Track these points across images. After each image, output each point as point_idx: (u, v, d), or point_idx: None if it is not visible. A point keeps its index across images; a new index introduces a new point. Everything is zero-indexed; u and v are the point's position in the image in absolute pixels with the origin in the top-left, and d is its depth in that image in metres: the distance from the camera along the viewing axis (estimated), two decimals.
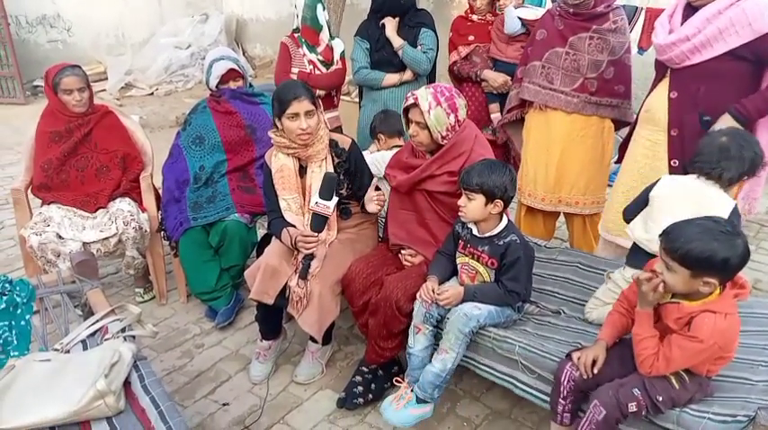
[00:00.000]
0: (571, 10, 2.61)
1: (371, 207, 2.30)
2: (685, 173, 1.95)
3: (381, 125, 2.84)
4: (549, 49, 2.69)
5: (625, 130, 2.75)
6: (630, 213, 2.05)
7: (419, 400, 2.08)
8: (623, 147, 2.58)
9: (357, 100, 6.97)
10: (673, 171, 2.24)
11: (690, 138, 2.17)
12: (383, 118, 2.86)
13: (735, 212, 1.87)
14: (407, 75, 3.28)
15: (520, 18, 3.09)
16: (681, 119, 2.24)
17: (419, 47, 3.24)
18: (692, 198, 1.71)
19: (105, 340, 1.83)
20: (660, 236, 1.55)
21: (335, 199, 2.09)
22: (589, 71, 2.64)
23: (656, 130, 2.33)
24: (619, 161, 2.62)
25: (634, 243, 2.01)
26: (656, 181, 1.97)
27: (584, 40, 2.61)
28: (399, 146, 2.71)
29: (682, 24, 2.22)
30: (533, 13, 3.10)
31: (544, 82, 2.72)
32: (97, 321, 1.93)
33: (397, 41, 3.22)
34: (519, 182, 2.98)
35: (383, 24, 3.25)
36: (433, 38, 3.28)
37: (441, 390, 2.07)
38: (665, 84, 2.32)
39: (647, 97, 2.43)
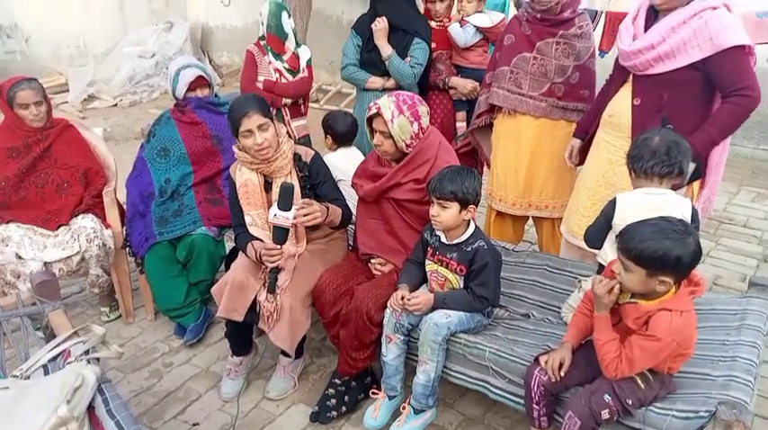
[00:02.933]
0: (538, 15, 2.65)
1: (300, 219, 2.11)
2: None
3: (327, 121, 2.93)
4: (516, 54, 2.72)
5: None
6: (594, 239, 2.03)
7: (416, 411, 2.12)
8: (584, 150, 2.61)
9: (326, 107, 7.00)
10: None
11: None
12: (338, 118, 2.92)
13: (695, 212, 1.92)
14: (390, 82, 3.17)
15: (475, 26, 3.11)
16: (644, 125, 2.26)
17: (408, 59, 3.11)
18: (654, 212, 1.73)
19: (68, 364, 1.77)
20: (616, 236, 1.59)
21: (294, 209, 2.06)
22: (556, 76, 2.68)
23: (620, 136, 2.36)
24: (580, 163, 2.64)
25: None
26: (612, 202, 1.96)
27: (551, 45, 2.65)
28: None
29: (645, 29, 2.24)
30: (488, 20, 3.11)
31: (513, 87, 2.75)
32: (59, 344, 1.87)
33: (385, 51, 3.11)
34: (489, 187, 3.02)
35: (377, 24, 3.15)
36: (425, 51, 3.11)
37: (434, 396, 2.11)
38: (627, 89, 2.34)
39: (609, 100, 2.43)
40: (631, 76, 2.32)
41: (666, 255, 1.48)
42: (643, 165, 1.85)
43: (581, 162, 2.62)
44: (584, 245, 2.43)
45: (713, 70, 2.12)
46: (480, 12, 3.15)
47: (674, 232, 1.50)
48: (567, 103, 2.74)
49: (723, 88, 2.14)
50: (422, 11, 3.29)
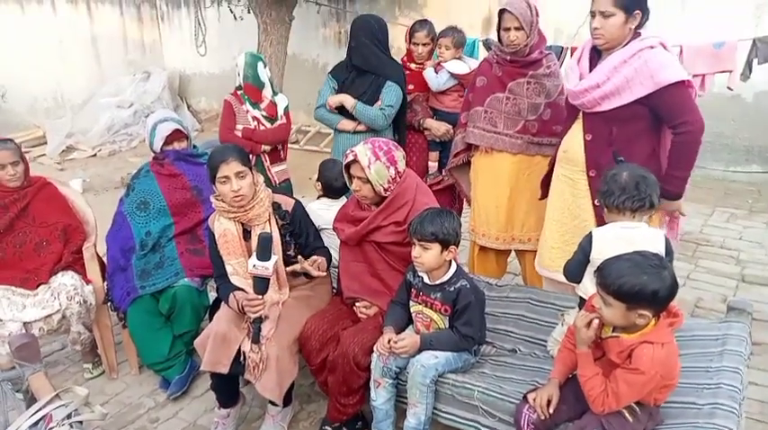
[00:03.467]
0: (508, 57, 2.75)
1: (314, 272, 2.26)
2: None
3: (326, 173, 2.91)
4: (489, 94, 2.81)
5: None
6: (574, 273, 2.06)
7: None
8: (545, 184, 2.68)
9: (306, 148, 7.07)
10: (597, 211, 2.33)
11: None
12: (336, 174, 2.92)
13: (668, 242, 1.97)
14: (361, 126, 3.23)
15: (450, 72, 3.21)
16: (597, 160, 2.36)
17: (379, 102, 3.19)
18: (630, 246, 1.78)
19: (50, 429, 1.74)
20: (594, 272, 1.63)
21: (274, 258, 2.07)
22: (529, 113, 2.77)
23: (576, 170, 2.44)
24: (542, 197, 2.71)
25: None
26: (588, 237, 1.99)
27: (523, 85, 2.74)
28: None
29: (591, 69, 2.34)
30: (464, 67, 3.21)
31: (488, 126, 2.83)
32: (40, 409, 1.83)
33: (348, 102, 3.20)
34: (472, 222, 3.06)
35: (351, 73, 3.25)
36: (397, 93, 3.17)
37: None
38: (579, 125, 2.42)
39: (563, 137, 2.53)
40: (581, 113, 2.42)
41: (643, 289, 1.51)
42: (614, 200, 1.90)
43: (544, 195, 2.69)
44: (558, 277, 2.47)
45: (656, 105, 2.22)
46: (457, 58, 3.25)
47: (649, 266, 1.53)
48: (542, 139, 2.82)
49: (667, 121, 2.25)
50: (405, 50, 3.42)
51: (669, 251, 1.91)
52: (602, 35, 2.24)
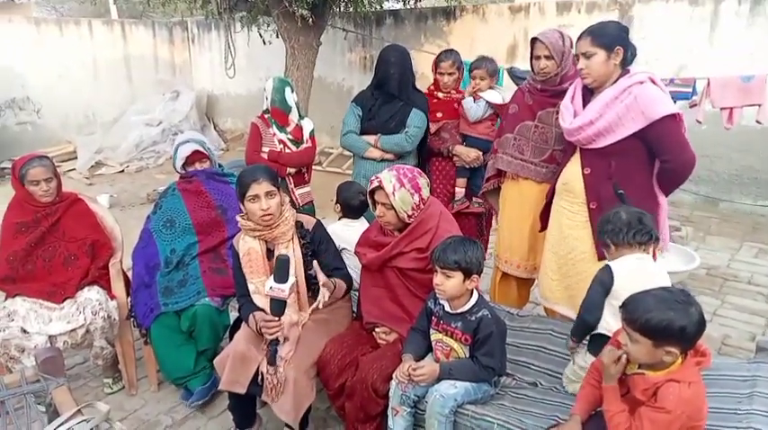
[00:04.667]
0: (539, 86, 2.77)
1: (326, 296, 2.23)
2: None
3: (343, 193, 2.96)
4: (519, 122, 2.84)
5: None
6: (594, 311, 2.00)
7: None
8: (544, 216, 2.69)
9: (328, 169, 7.15)
10: (598, 244, 2.30)
11: (609, 210, 2.21)
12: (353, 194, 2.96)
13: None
14: (389, 155, 3.29)
15: (487, 101, 3.26)
16: (597, 192, 2.40)
17: (407, 128, 3.27)
18: (645, 276, 1.78)
19: None
20: (620, 307, 1.61)
21: (291, 280, 2.07)
22: (556, 143, 2.76)
23: (576, 201, 2.48)
24: (542, 229, 2.72)
25: (594, 334, 2.02)
26: (606, 271, 1.97)
27: (552, 114, 2.74)
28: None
29: (584, 106, 2.40)
30: (499, 97, 3.27)
31: (516, 153, 2.85)
32: (63, 423, 1.85)
33: (370, 140, 3.31)
34: (496, 248, 3.06)
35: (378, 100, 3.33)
36: (422, 119, 3.28)
37: None
38: (577, 159, 2.48)
39: (560, 170, 2.58)
40: (579, 148, 2.47)
41: (671, 325, 1.49)
42: (623, 236, 1.95)
43: (543, 227, 2.70)
44: (558, 309, 2.56)
45: (647, 139, 2.29)
46: (492, 88, 3.31)
47: (676, 302, 1.51)
48: None
49: (656, 154, 2.33)
50: (430, 78, 3.50)
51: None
52: (589, 74, 2.33)
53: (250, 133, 3.50)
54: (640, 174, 2.37)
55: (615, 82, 2.33)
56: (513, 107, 2.89)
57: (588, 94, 2.43)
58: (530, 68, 2.80)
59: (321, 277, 2.24)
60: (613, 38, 2.30)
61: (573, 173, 2.49)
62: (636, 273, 1.91)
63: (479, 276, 2.04)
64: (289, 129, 3.45)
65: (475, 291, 2.09)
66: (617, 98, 2.29)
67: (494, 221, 3.40)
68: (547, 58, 2.65)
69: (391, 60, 3.27)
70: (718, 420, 1.80)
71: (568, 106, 2.47)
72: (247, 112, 7.90)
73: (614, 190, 2.15)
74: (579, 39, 2.37)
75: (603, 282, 1.96)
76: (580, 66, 2.35)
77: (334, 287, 2.25)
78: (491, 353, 2.03)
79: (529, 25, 6.33)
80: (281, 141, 3.43)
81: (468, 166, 3.34)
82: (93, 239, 2.87)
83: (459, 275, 2.00)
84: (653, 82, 2.31)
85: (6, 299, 2.72)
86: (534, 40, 2.70)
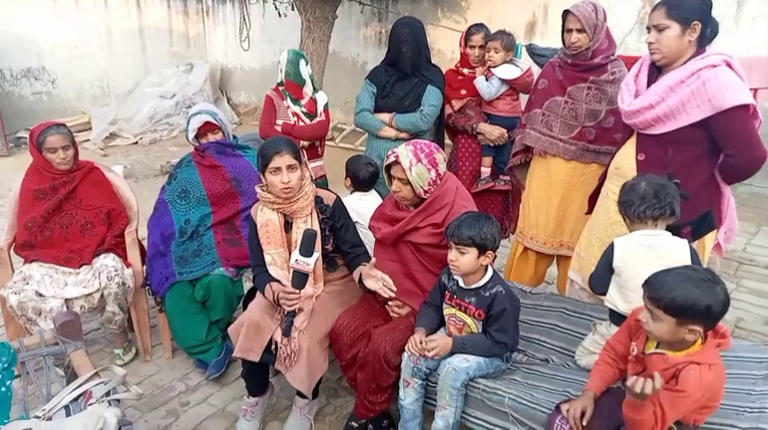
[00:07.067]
0: (569, 61, 2.69)
1: (370, 283, 2.16)
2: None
3: (352, 166, 2.97)
4: (549, 97, 2.77)
5: None
6: (599, 285, 2.01)
7: None
8: (593, 199, 2.60)
9: (341, 145, 7.12)
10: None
11: None
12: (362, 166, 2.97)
13: (693, 251, 1.93)
14: (404, 134, 3.24)
15: (501, 79, 3.19)
16: None
17: (422, 106, 3.21)
18: (652, 253, 1.74)
19: (89, 405, 1.79)
20: (643, 286, 1.58)
21: (316, 255, 2.08)
22: (587, 120, 2.69)
23: None
24: (589, 212, 2.63)
25: None
26: (611, 246, 1.96)
27: (582, 89, 2.68)
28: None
29: (648, 86, 2.22)
30: (514, 71, 3.19)
31: (544, 129, 2.78)
32: (81, 385, 1.89)
33: (385, 118, 3.26)
34: (521, 224, 3.04)
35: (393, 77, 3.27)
36: (438, 96, 3.22)
37: None
38: (632, 144, 2.32)
39: (616, 152, 2.44)
40: (636, 132, 2.31)
41: (697, 303, 1.46)
42: (635, 210, 1.89)
43: (591, 210, 2.62)
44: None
45: (712, 129, 2.08)
46: (508, 61, 3.22)
47: (701, 281, 1.48)
48: (600, 147, 2.71)
49: (721, 147, 2.12)
50: (445, 53, 3.42)
51: (695, 262, 1.86)
52: (658, 49, 2.12)
53: (264, 105, 3.48)
54: (699, 168, 2.17)
55: (686, 62, 2.10)
56: (543, 81, 2.82)
57: (655, 72, 2.22)
58: (561, 42, 2.71)
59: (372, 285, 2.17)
60: (692, 11, 2.06)
61: (626, 156, 2.32)
62: (638, 250, 1.86)
63: (494, 252, 2.03)
64: (303, 102, 3.42)
65: (489, 268, 2.09)
66: (683, 82, 2.06)
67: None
68: (579, 31, 2.57)
69: (402, 38, 3.18)
70: (732, 400, 1.80)
71: (630, 84, 2.26)
72: (261, 87, 7.85)
73: (668, 178, 1.97)
74: (654, 9, 2.12)
75: (606, 258, 1.96)
76: (650, 39, 2.12)
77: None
78: (504, 329, 2.03)
79: (548, 1, 6.20)
80: (294, 114, 3.41)
81: (492, 145, 3.31)
82: (109, 208, 2.89)
83: (473, 251, 1.99)
84: (729, 66, 2.05)
85: (24, 264, 2.76)
86: (566, 13, 2.61)
